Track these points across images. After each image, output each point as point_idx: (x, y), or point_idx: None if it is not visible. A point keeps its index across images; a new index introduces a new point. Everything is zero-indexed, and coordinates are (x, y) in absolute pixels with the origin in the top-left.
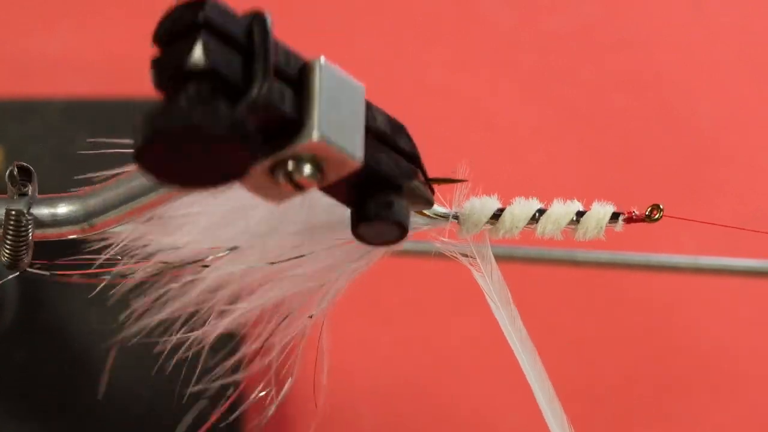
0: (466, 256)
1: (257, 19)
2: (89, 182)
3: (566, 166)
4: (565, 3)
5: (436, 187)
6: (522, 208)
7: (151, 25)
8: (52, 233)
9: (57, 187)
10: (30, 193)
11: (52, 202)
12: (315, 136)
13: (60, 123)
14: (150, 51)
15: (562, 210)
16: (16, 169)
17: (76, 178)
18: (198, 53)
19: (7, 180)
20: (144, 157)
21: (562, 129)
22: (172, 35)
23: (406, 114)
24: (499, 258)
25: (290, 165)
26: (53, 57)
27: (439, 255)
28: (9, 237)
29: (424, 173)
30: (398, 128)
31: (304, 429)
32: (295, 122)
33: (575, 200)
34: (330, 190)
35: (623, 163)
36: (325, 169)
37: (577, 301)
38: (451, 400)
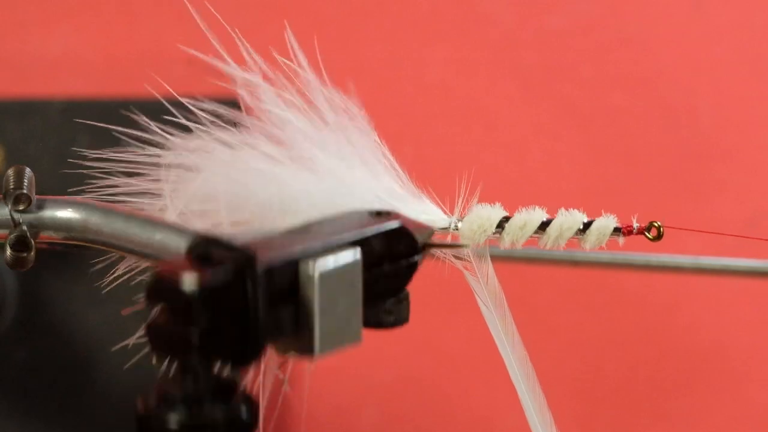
0: (461, 259)
1: (245, 270)
2: (89, 182)
3: (566, 165)
4: (566, 2)
5: (436, 188)
6: (523, 225)
7: (150, 25)
8: (49, 234)
9: (57, 187)
10: (29, 207)
11: (54, 204)
12: (316, 354)
13: (60, 123)
14: (149, 52)
15: (564, 225)
16: (12, 198)
17: (71, 170)
18: (193, 339)
19: (5, 201)
20: None
21: (562, 127)
22: (164, 303)
23: (407, 114)
24: (498, 258)
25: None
26: (53, 57)
27: (435, 256)
28: (11, 250)
29: (421, 249)
30: (395, 235)
31: (305, 427)
32: (295, 333)
33: (577, 210)
34: None
35: (623, 162)
36: None
37: (577, 301)
38: (452, 399)
